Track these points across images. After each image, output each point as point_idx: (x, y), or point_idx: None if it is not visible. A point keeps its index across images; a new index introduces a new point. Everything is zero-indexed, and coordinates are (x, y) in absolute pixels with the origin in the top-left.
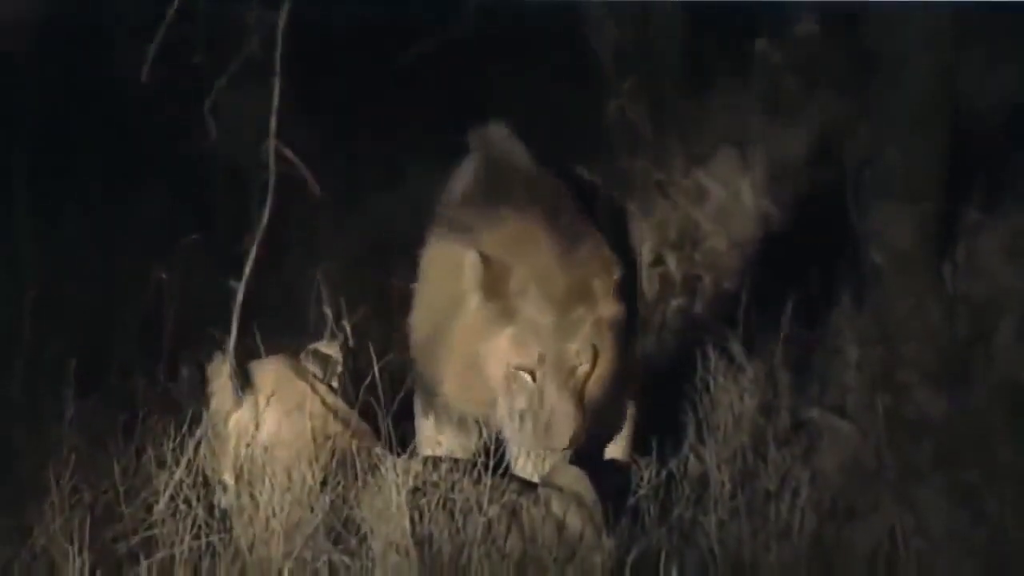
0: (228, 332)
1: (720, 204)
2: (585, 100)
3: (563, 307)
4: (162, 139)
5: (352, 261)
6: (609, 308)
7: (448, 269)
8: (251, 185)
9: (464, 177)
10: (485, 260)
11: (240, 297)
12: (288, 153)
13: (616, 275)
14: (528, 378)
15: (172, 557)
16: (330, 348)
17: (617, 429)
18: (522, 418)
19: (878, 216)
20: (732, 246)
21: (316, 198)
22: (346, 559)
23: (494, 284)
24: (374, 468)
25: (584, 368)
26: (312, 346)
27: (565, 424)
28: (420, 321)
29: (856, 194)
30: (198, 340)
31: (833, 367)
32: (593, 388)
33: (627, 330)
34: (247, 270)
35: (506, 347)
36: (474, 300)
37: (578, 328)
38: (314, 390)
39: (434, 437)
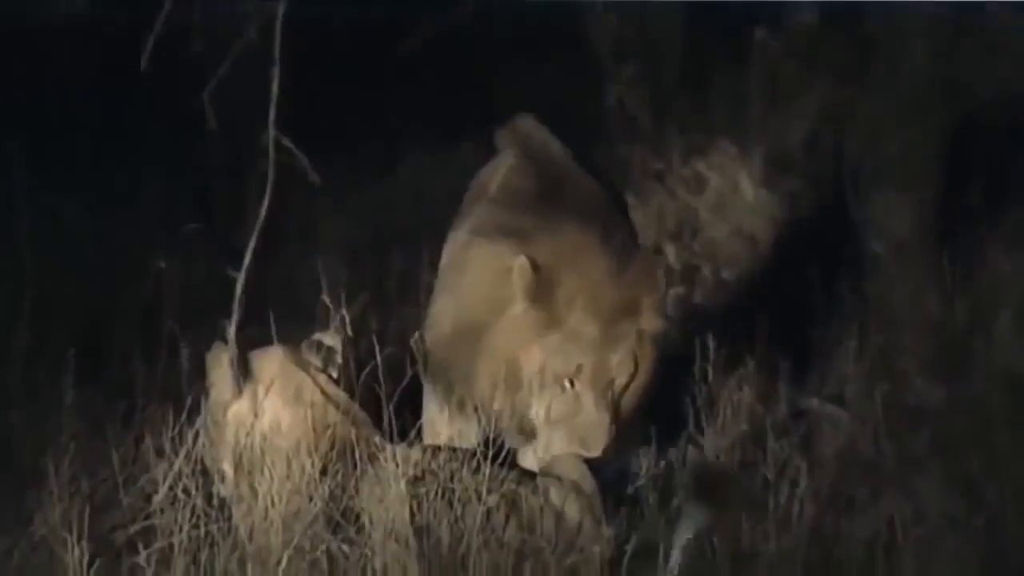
0: (228, 321)
1: (719, 194)
2: (583, 89)
3: (608, 321)
4: (162, 127)
5: (351, 249)
6: (651, 322)
7: (492, 270)
8: (251, 174)
9: (501, 174)
10: (535, 267)
11: (240, 286)
12: (287, 142)
13: (662, 292)
14: (567, 386)
15: (171, 546)
16: (331, 339)
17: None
18: (556, 425)
19: (877, 205)
20: (731, 236)
21: (315, 187)
22: (345, 548)
23: (541, 292)
24: (373, 457)
25: (622, 380)
26: (314, 336)
27: (599, 433)
28: (445, 314)
29: (855, 183)
30: (198, 329)
31: (832, 356)
32: (629, 399)
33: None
34: (247, 259)
35: (547, 354)
36: (519, 305)
37: (621, 341)
38: (313, 380)
39: (445, 431)
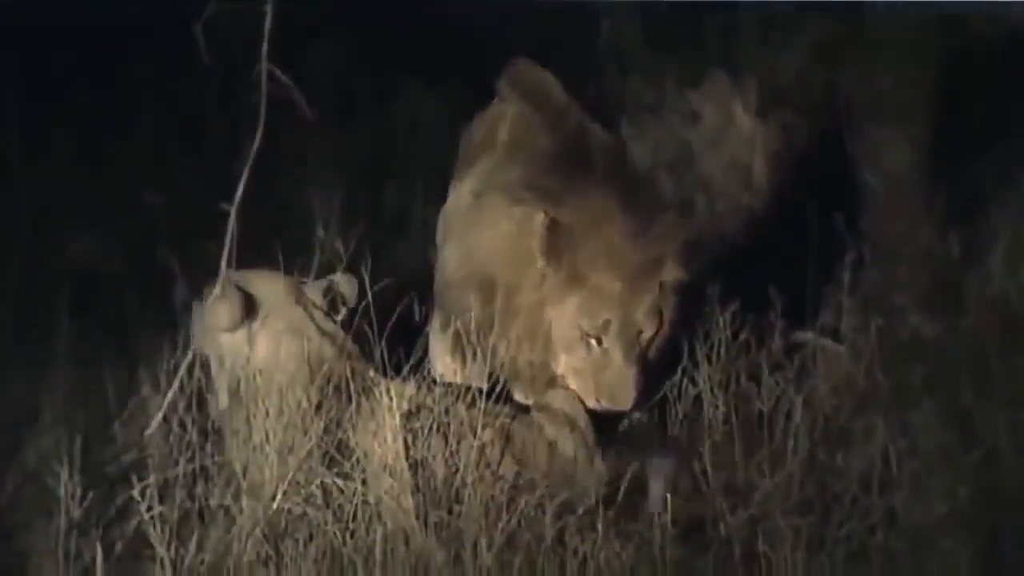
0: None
1: (713, 127)
2: (575, 22)
3: (633, 277)
4: (154, 62)
5: (344, 183)
6: (673, 273)
7: (510, 225)
8: (243, 107)
9: (508, 123)
10: (556, 225)
11: (232, 220)
12: (280, 75)
13: (683, 241)
14: (594, 342)
15: (165, 479)
16: (346, 284)
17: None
18: (583, 380)
19: (871, 139)
20: (725, 169)
21: (308, 120)
22: (339, 482)
23: (560, 250)
24: (368, 392)
25: (648, 333)
26: (329, 277)
27: (628, 387)
28: (453, 262)
29: (849, 117)
30: (192, 262)
31: (826, 290)
32: (656, 349)
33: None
34: (239, 193)
35: (574, 311)
36: (539, 261)
37: (645, 295)
38: (310, 314)
39: (451, 372)
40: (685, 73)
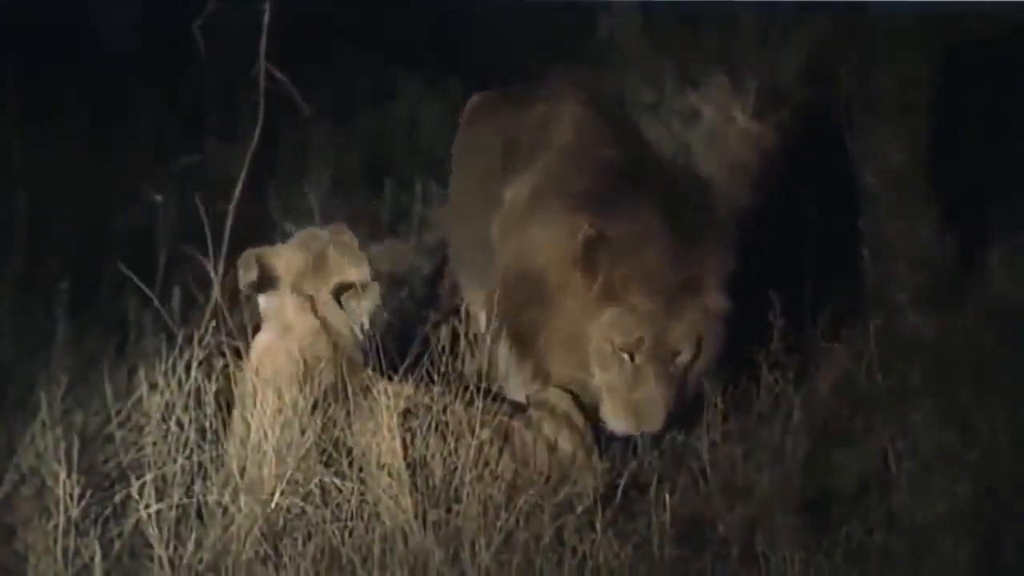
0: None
1: (712, 126)
2: (574, 19)
3: (669, 299)
4: (154, 60)
5: (342, 181)
6: (715, 301)
7: (563, 231)
8: (242, 106)
9: (569, 125)
10: (594, 240)
11: (231, 219)
12: (278, 73)
13: (727, 271)
14: (627, 357)
15: (163, 477)
16: (344, 234)
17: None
18: (615, 396)
19: (871, 136)
20: (724, 168)
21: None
22: (337, 481)
23: (597, 266)
24: (366, 391)
25: (686, 356)
26: (333, 226)
27: (658, 408)
28: (509, 257)
29: (849, 115)
30: (190, 261)
31: (825, 288)
32: (693, 375)
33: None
34: (237, 191)
35: (608, 325)
36: (576, 273)
37: (684, 315)
38: (312, 307)
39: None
40: (685, 73)
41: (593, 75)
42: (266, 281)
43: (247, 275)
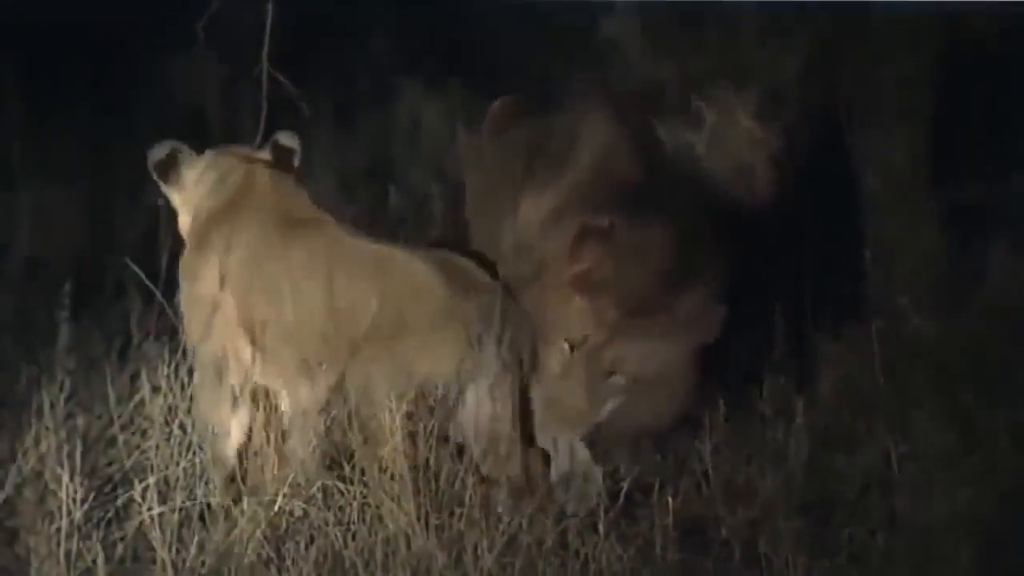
0: None
1: (714, 128)
2: (574, 19)
3: (635, 314)
4: (157, 60)
5: (344, 182)
6: (702, 334)
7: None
8: (244, 106)
9: (599, 145)
10: (594, 229)
11: None
12: (279, 75)
13: (723, 313)
14: (567, 348)
15: (166, 481)
16: (289, 139)
17: None
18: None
19: (872, 138)
20: (726, 170)
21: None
22: (340, 484)
23: (585, 251)
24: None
25: (618, 381)
26: (273, 136)
27: (581, 403)
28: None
29: (850, 116)
30: None
31: (828, 291)
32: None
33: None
34: None
35: (570, 313)
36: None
37: (637, 342)
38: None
39: None
40: (685, 74)
41: (616, 79)
42: (172, 176)
43: (158, 152)
